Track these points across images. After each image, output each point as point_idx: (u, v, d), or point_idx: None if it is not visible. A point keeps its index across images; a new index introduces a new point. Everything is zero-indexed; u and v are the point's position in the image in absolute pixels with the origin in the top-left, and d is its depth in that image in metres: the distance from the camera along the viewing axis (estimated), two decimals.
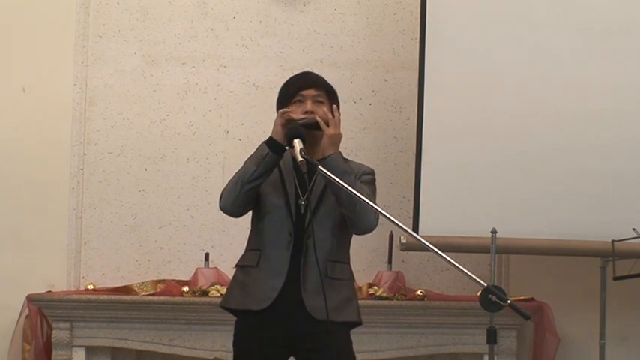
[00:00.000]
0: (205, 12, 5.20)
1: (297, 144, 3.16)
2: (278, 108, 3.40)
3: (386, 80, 5.17)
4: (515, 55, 4.60)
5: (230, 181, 3.34)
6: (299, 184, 3.34)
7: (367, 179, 3.40)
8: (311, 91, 3.37)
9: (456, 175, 4.59)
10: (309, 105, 3.34)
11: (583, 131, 4.56)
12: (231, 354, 3.42)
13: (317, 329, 3.22)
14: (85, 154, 5.13)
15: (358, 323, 3.40)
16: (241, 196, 3.29)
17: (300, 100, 3.36)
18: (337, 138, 3.30)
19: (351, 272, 3.44)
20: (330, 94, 3.41)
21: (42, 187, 5.08)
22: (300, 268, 3.27)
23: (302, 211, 3.31)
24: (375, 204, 3.19)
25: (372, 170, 3.46)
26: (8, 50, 5.12)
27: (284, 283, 3.27)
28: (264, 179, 3.30)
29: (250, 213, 3.42)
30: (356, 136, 5.05)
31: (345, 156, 3.37)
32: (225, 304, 3.42)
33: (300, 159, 3.11)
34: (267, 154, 3.26)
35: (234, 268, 3.46)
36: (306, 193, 3.32)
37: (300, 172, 3.24)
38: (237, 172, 3.34)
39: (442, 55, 4.61)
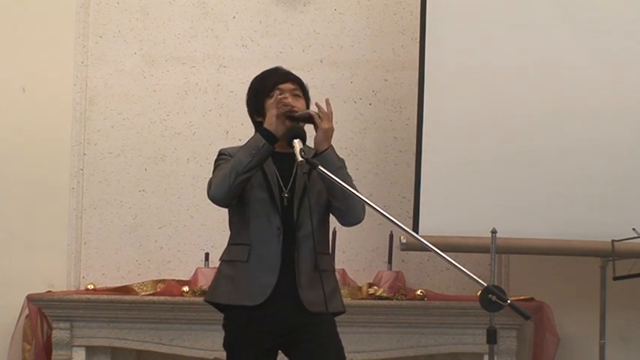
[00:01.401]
0: (205, 12, 5.19)
1: (297, 144, 3.17)
2: (252, 103, 3.43)
3: (386, 80, 5.16)
4: (515, 55, 4.60)
5: (220, 171, 3.33)
6: (280, 177, 3.35)
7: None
8: (288, 85, 3.39)
9: (456, 175, 4.59)
10: (289, 98, 3.34)
11: (583, 131, 4.56)
12: None
13: (310, 321, 3.25)
14: (85, 154, 5.13)
15: (343, 312, 3.42)
16: (235, 187, 3.28)
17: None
18: (331, 132, 3.30)
19: (333, 263, 3.47)
20: (303, 89, 3.44)
21: (42, 187, 5.07)
22: (295, 263, 3.28)
23: (286, 204, 3.32)
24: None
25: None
26: (8, 50, 5.12)
27: (278, 279, 3.27)
28: (257, 170, 3.30)
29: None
30: (356, 136, 5.04)
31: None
32: (213, 299, 3.40)
33: (300, 159, 3.11)
34: (264, 145, 3.25)
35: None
36: (289, 185, 3.33)
37: (281, 164, 3.30)
38: (225, 164, 3.33)
39: (442, 55, 4.61)
